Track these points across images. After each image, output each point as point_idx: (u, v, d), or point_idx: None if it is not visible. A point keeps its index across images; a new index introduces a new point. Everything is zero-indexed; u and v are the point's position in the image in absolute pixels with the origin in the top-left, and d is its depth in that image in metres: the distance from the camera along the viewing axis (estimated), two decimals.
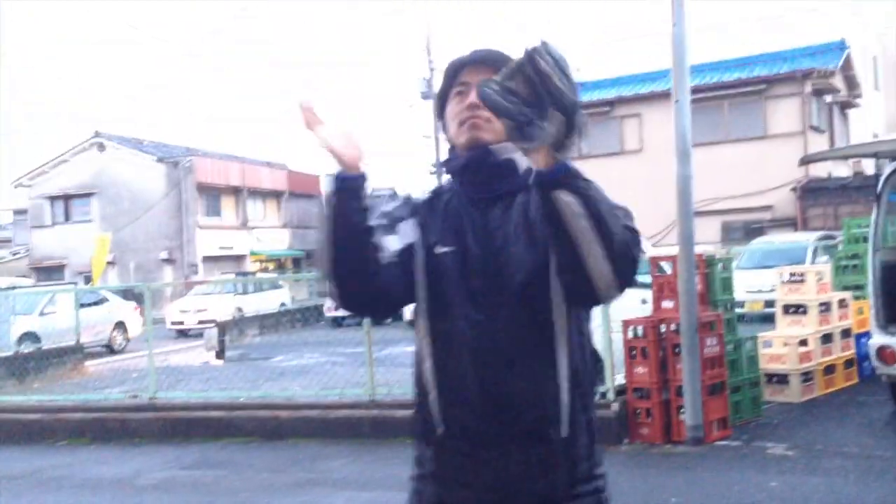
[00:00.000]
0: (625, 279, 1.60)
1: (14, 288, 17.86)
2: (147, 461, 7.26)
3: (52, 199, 34.13)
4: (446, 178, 1.95)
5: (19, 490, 6.56)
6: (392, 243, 1.76)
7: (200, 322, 20.48)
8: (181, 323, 21.44)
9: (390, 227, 1.79)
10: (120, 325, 17.63)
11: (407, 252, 1.78)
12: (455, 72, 1.85)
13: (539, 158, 1.54)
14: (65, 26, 72.72)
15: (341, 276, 1.70)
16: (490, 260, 1.75)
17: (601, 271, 1.56)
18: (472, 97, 1.78)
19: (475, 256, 1.76)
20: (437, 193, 1.90)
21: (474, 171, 1.81)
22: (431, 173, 29.01)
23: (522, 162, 1.77)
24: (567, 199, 1.53)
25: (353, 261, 1.68)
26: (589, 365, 1.79)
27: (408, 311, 1.92)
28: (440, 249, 1.78)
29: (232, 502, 5.83)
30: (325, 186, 1.68)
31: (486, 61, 1.81)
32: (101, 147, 33.43)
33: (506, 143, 1.73)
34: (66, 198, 33.95)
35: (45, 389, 10.93)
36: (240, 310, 21.62)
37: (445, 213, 1.84)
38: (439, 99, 1.89)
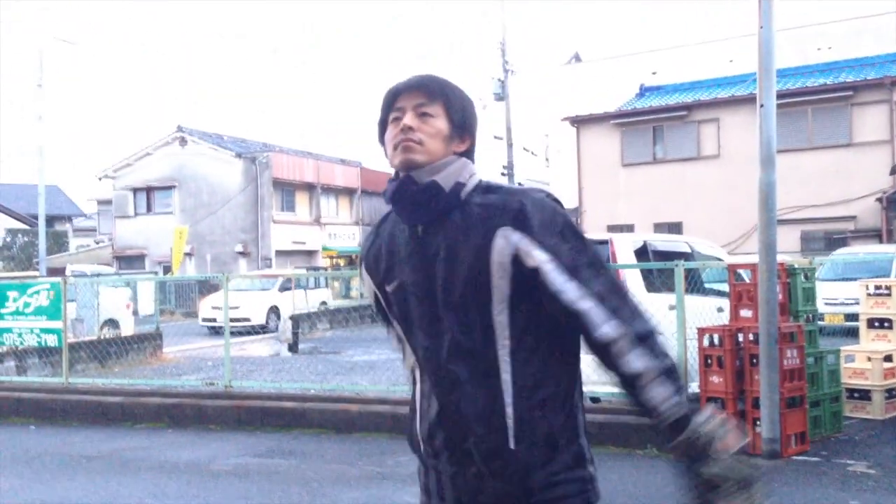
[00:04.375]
0: None
1: (98, 275, 18.44)
2: (221, 447, 7.44)
3: (136, 190, 35.26)
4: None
5: (98, 470, 6.80)
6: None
7: (233, 320, 19.51)
8: (213, 320, 19.88)
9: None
10: (111, 323, 14.81)
11: (378, 300, 1.96)
12: (392, 98, 1.89)
13: None
14: (147, 25, 75.05)
15: None
16: (428, 287, 1.81)
17: None
18: (406, 120, 1.83)
19: (416, 284, 1.82)
20: (376, 229, 1.98)
21: (401, 199, 1.83)
22: (502, 174, 28.98)
23: (446, 182, 1.82)
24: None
25: None
26: (553, 375, 1.77)
27: None
28: (388, 288, 1.89)
29: (303, 491, 5.93)
30: None
31: (421, 87, 1.86)
32: (183, 142, 34.39)
33: (431, 165, 1.82)
34: (149, 190, 35.03)
35: (125, 374, 11.32)
36: (275, 308, 20.49)
37: (389, 246, 1.90)
38: (380, 126, 1.93)
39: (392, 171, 1.90)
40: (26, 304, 9.96)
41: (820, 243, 21.25)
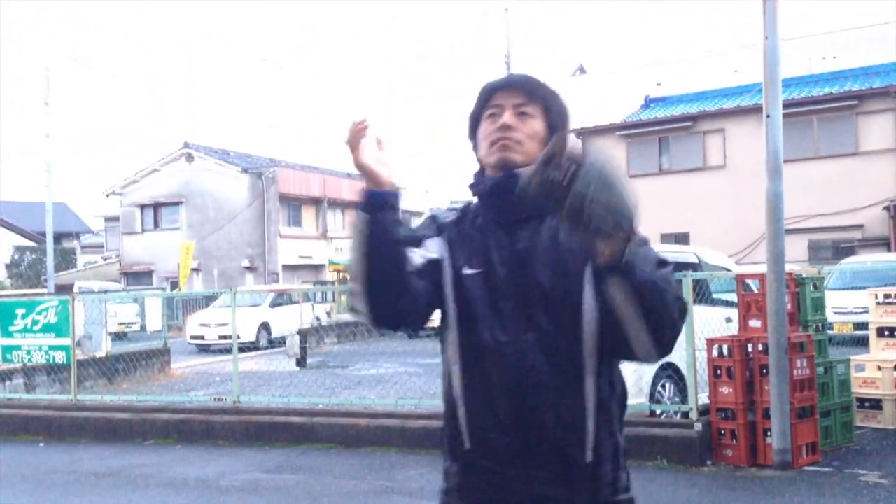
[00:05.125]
0: (665, 351, 1.66)
1: (106, 292, 18.45)
2: (230, 463, 7.43)
3: (143, 206, 35.37)
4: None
5: (107, 487, 6.79)
6: (416, 257, 1.78)
7: (221, 337, 18.28)
8: (201, 338, 19.37)
9: (415, 242, 1.82)
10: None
11: (432, 265, 1.79)
12: (488, 95, 1.88)
13: (598, 249, 1.55)
14: (147, 26, 75.66)
15: (376, 289, 1.72)
16: (517, 284, 1.76)
17: (643, 345, 1.62)
18: (505, 118, 1.82)
19: (502, 279, 1.77)
20: (464, 213, 1.90)
21: (501, 194, 1.80)
22: None
23: None
24: (618, 289, 1.57)
25: (387, 274, 1.70)
26: (617, 393, 1.79)
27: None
28: (468, 271, 1.79)
29: None
30: (361, 202, 1.70)
31: (519, 86, 1.86)
32: (190, 157, 34.52)
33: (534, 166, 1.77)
34: (156, 206, 35.14)
35: (133, 390, 11.31)
36: (266, 325, 19.97)
37: (472, 233, 1.84)
38: (471, 120, 1.92)
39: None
40: (35, 322, 9.98)
41: (828, 252, 21.15)
